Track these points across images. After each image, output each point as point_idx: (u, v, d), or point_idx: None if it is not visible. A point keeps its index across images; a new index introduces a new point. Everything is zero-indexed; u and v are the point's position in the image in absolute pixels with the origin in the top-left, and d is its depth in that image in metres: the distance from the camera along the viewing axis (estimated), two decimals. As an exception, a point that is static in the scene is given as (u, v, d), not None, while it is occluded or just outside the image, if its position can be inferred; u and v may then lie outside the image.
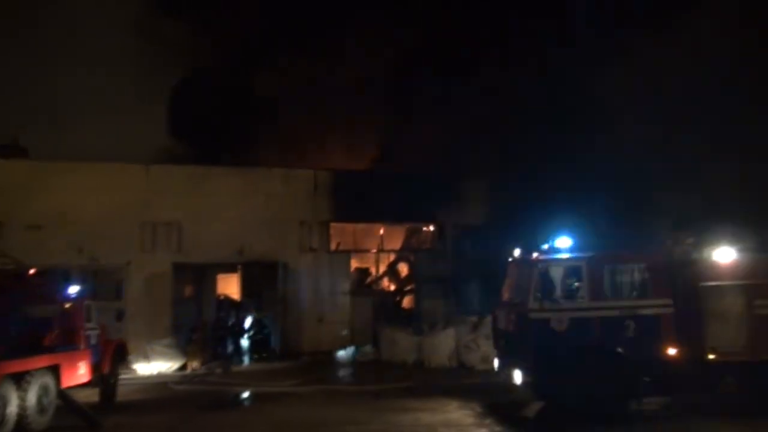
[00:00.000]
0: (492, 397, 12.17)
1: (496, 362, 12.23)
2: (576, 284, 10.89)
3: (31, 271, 12.08)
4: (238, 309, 19.63)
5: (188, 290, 19.50)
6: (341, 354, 18.50)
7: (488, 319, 14.47)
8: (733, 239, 10.75)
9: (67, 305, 12.25)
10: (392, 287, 22.47)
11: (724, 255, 10.62)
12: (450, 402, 12.07)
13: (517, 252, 11.77)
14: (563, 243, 11.10)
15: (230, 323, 18.71)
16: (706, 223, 11.60)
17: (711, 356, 10.51)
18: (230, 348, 18.56)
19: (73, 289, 12.63)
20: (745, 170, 15.40)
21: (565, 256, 11.03)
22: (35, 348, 11.05)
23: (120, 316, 15.26)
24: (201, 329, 18.01)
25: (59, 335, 11.78)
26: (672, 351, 10.55)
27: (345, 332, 19.27)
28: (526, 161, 19.85)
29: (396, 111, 24.29)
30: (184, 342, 17.82)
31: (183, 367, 17.09)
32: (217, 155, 21.66)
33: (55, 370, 10.90)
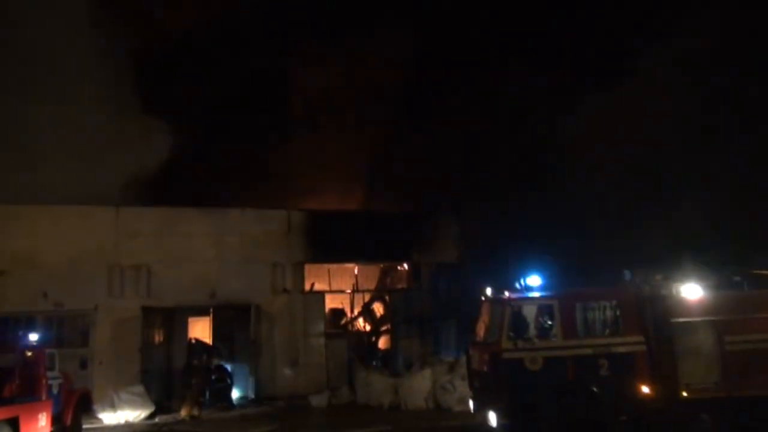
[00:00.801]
0: (468, 440, 11.93)
1: (471, 404, 12.04)
2: (549, 323, 10.87)
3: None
4: (209, 353, 19.14)
5: (158, 335, 19.00)
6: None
7: (464, 359, 14.29)
8: (700, 275, 10.86)
9: (29, 354, 11.85)
10: (368, 328, 22.19)
11: (693, 291, 10.71)
12: (427, 446, 11.82)
13: (489, 291, 11.73)
14: (535, 281, 11.10)
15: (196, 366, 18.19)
16: (674, 260, 11.72)
17: (685, 393, 10.49)
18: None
19: (35, 337, 12.23)
20: (711, 206, 15.69)
21: (537, 294, 11.01)
22: (-7, 400, 10.62)
23: (84, 363, 14.78)
24: (200, 373, 17.37)
25: (19, 386, 11.35)
26: (646, 389, 10.51)
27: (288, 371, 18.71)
28: (500, 199, 20.05)
29: (370, 150, 24.45)
30: (155, 388, 17.29)
31: (152, 416, 16.52)
32: (188, 196, 21.43)
33: (13, 423, 10.48)
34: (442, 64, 23.89)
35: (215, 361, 18.29)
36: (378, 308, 22.18)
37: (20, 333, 13.21)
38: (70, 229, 17.87)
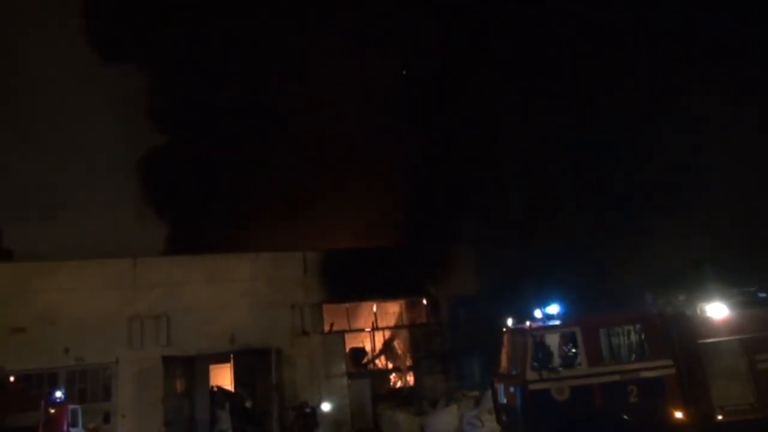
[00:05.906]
0: (499, 476, 11.60)
1: (500, 438, 11.77)
2: (573, 350, 10.65)
3: (12, 379, 11.74)
4: (232, 401, 18.94)
5: (180, 384, 18.88)
6: None
7: (490, 392, 14.01)
8: (723, 293, 10.61)
9: (52, 411, 11.84)
10: (390, 365, 21.90)
11: (718, 310, 10.46)
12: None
13: (510, 321, 11.55)
14: (556, 309, 10.92)
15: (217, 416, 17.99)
16: (694, 279, 11.48)
17: (720, 417, 10.15)
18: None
19: (58, 394, 12.24)
20: (730, 223, 15.39)
21: (558, 322, 10.82)
22: (17, 459, 10.57)
23: (107, 417, 14.72)
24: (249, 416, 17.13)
25: (43, 444, 11.31)
26: (679, 414, 10.20)
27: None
28: (515, 227, 19.86)
29: (384, 184, 24.45)
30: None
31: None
32: (203, 242, 21.57)
33: (38, 482, 10.39)
34: (456, 95, 23.96)
35: (248, 404, 18.11)
36: (399, 345, 21.92)
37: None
38: (88, 283, 17.99)
